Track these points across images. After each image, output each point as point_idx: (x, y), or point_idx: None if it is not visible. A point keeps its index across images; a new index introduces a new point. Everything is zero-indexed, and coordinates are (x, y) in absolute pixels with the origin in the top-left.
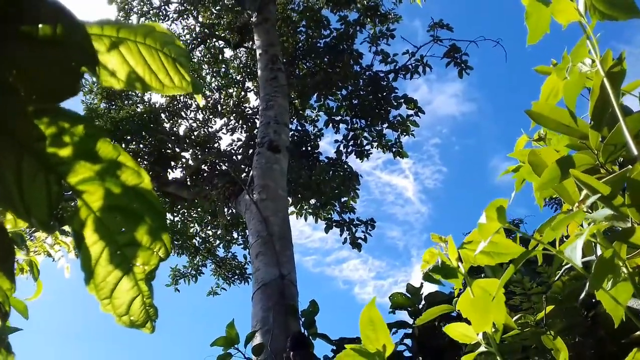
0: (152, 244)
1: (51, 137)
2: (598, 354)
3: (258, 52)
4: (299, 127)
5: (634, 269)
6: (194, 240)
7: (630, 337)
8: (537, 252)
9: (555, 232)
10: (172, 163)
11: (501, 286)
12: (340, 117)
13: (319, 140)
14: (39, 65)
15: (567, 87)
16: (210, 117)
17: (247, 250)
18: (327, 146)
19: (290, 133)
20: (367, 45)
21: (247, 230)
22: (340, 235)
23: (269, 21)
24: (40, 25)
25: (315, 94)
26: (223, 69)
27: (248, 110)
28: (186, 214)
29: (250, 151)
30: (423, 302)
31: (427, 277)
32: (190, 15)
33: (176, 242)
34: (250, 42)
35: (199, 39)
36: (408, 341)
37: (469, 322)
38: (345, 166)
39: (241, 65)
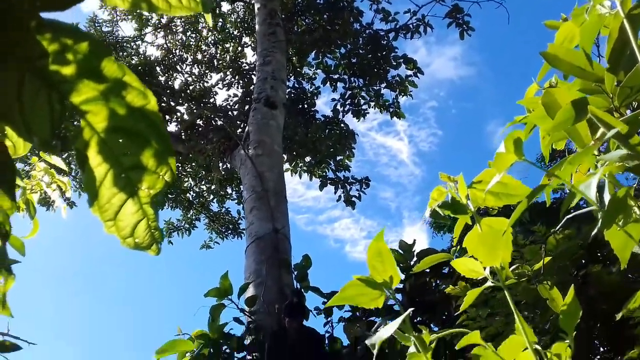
0: (158, 167)
1: (54, 54)
2: (589, 312)
3: (256, 6)
4: (296, 85)
5: None
6: (187, 195)
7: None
8: (547, 190)
9: (572, 166)
10: (167, 117)
11: (511, 224)
12: (338, 76)
13: (315, 98)
14: None
15: (584, 29)
16: (206, 71)
17: (241, 205)
18: (323, 106)
19: (287, 90)
20: (368, 3)
21: (241, 186)
22: (335, 192)
23: None
24: None
25: (314, 52)
26: (220, 23)
27: (245, 66)
28: (180, 168)
29: (247, 107)
30: (415, 258)
31: (435, 215)
32: None
33: (170, 196)
34: None
35: None
36: (399, 296)
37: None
38: (342, 125)
39: (238, 20)
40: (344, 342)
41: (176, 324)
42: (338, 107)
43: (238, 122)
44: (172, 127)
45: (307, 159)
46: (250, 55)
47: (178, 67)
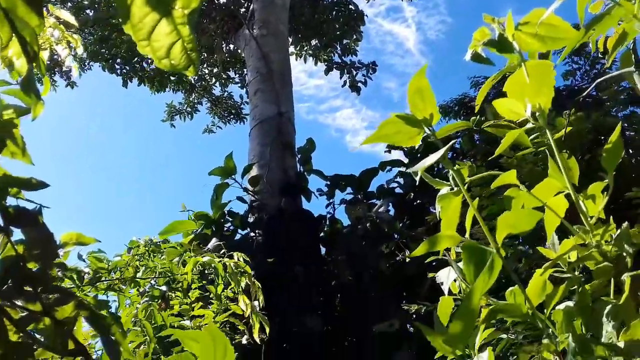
0: None
1: None
2: None
3: None
4: None
5: None
6: (189, 77)
7: None
8: (593, 37)
9: (612, 19)
10: None
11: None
12: None
13: None
14: None
15: None
16: None
17: (244, 89)
18: None
19: None
20: None
21: (245, 69)
22: (340, 77)
23: None
24: None
25: None
26: None
27: None
28: None
29: None
30: (420, 142)
31: (477, 57)
32: None
33: (172, 78)
34: None
35: None
36: (401, 180)
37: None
38: (350, 6)
39: None
40: (345, 223)
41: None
42: None
43: (242, 1)
44: None
45: (313, 42)
46: None
47: None
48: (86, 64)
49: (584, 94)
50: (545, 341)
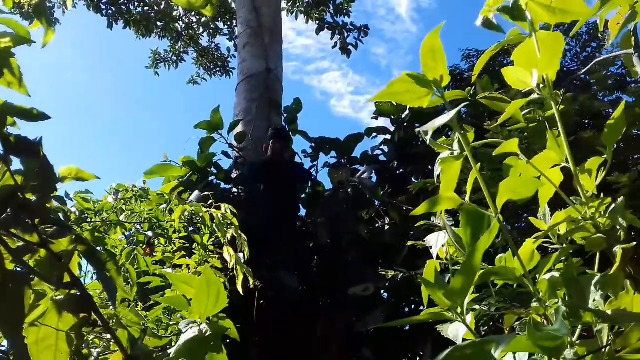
0: None
1: None
2: None
3: None
4: None
5: None
6: (176, 24)
7: None
8: (603, 15)
9: None
10: None
11: (563, 42)
12: None
13: None
14: None
15: None
16: None
17: (233, 42)
18: None
19: None
20: None
21: (235, 20)
22: (331, 38)
23: None
24: None
25: None
26: None
27: None
28: None
29: None
30: (407, 111)
31: (488, 24)
32: None
33: (158, 23)
34: None
35: None
36: (386, 147)
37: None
38: None
39: None
40: (327, 186)
41: (160, 150)
42: None
43: None
44: None
45: None
46: None
47: None
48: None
49: (581, 73)
50: (534, 305)
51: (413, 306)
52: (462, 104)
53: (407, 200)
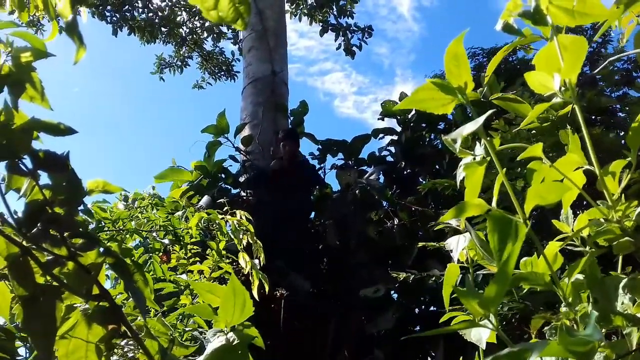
0: None
1: None
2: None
3: None
4: None
5: None
6: (180, 30)
7: None
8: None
9: None
10: None
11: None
12: None
13: None
14: None
15: None
16: None
17: (237, 46)
18: None
19: None
20: None
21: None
22: (335, 40)
23: None
24: None
25: None
26: None
27: None
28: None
29: None
30: (413, 112)
31: (508, 28)
32: None
33: (163, 29)
34: None
35: None
36: (392, 148)
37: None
38: None
39: None
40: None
41: (169, 158)
42: None
43: None
44: None
45: (310, 0)
46: None
47: None
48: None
49: (597, 70)
50: (563, 309)
51: (423, 307)
52: (490, 111)
53: (415, 201)
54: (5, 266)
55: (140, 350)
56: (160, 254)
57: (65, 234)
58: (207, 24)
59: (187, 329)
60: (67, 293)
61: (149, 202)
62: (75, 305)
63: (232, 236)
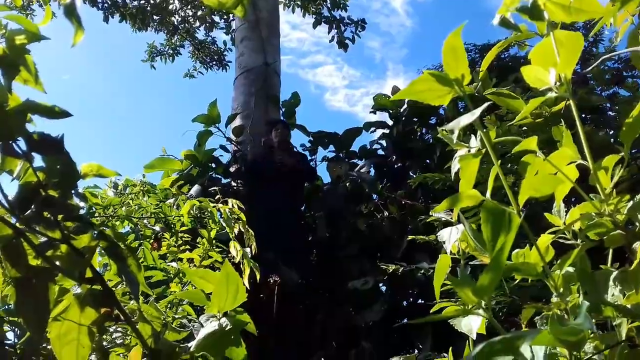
0: None
1: None
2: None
3: None
4: None
5: None
6: (173, 18)
7: None
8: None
9: None
10: None
11: (582, 42)
12: None
13: None
14: None
15: None
16: None
17: (230, 36)
18: None
19: None
20: None
21: (232, 14)
22: (329, 32)
23: None
24: None
25: None
26: None
27: None
28: None
29: None
30: (405, 105)
31: (504, 23)
32: None
33: (155, 17)
34: None
35: None
36: (383, 142)
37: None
38: None
39: None
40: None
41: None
42: None
43: None
44: None
45: None
46: None
47: None
48: None
49: (589, 69)
50: (555, 299)
51: (411, 299)
52: (486, 104)
53: (405, 194)
54: None
55: (132, 335)
56: (151, 241)
57: (59, 217)
58: (199, 13)
59: (176, 316)
60: (60, 276)
61: (141, 189)
62: (68, 288)
63: (224, 224)
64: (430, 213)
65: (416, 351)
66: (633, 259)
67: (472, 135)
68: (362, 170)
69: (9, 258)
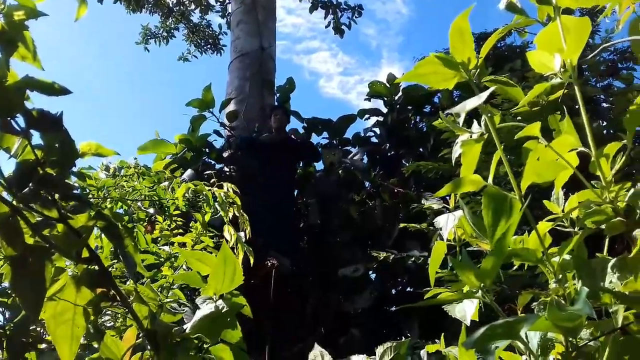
0: None
1: None
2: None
3: None
4: None
5: None
6: (167, 0)
7: None
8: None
9: None
10: None
11: (590, 27)
12: None
13: None
14: None
15: None
16: None
17: (225, 19)
18: None
19: None
20: None
21: None
22: (325, 17)
23: None
24: None
25: None
26: None
27: None
28: None
29: None
30: (400, 93)
31: (511, 7)
32: None
33: None
34: None
35: None
36: (377, 129)
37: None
38: None
39: None
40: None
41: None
42: None
43: None
44: None
45: None
46: None
47: None
48: None
49: (585, 59)
50: (553, 285)
51: (400, 287)
52: (491, 88)
53: (398, 183)
54: None
55: (122, 317)
56: (145, 224)
57: (56, 196)
58: None
59: (167, 300)
60: (57, 255)
61: (135, 171)
62: (64, 268)
63: (219, 208)
64: (428, 199)
65: (404, 339)
66: (633, 246)
67: (474, 120)
68: (355, 158)
69: (6, 236)
